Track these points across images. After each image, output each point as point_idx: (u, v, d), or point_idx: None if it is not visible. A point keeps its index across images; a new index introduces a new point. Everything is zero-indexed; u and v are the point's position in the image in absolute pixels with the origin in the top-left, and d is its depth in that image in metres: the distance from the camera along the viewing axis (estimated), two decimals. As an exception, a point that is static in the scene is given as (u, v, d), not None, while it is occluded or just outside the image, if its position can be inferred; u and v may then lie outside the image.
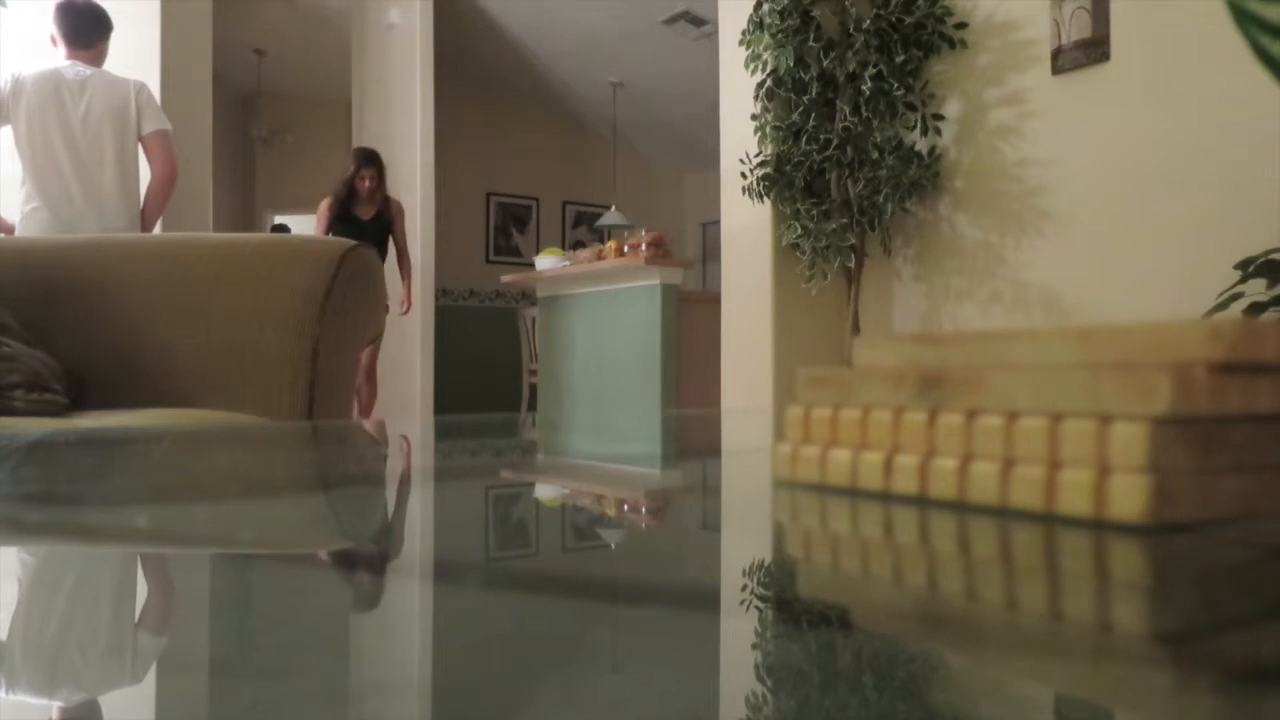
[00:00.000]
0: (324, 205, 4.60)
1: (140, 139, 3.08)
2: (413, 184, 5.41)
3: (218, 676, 0.20)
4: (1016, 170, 3.23)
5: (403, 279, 4.81)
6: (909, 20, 3.30)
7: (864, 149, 3.36)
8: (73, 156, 3.00)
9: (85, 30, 3.12)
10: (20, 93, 3.01)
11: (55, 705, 0.18)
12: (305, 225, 7.38)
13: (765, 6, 3.48)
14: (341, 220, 4.58)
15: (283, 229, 6.72)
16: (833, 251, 3.38)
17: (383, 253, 4.55)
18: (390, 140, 5.57)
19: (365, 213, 4.64)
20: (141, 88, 3.09)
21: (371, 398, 4.62)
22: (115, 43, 4.20)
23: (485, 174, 8.02)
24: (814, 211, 3.41)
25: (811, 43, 3.37)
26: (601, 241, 6.62)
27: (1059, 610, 0.25)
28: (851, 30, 3.35)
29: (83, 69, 3.06)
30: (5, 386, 1.34)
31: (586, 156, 8.58)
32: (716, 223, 3.67)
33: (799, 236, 3.43)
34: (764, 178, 3.51)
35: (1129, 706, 0.18)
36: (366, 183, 4.61)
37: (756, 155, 3.56)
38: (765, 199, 3.56)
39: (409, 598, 0.28)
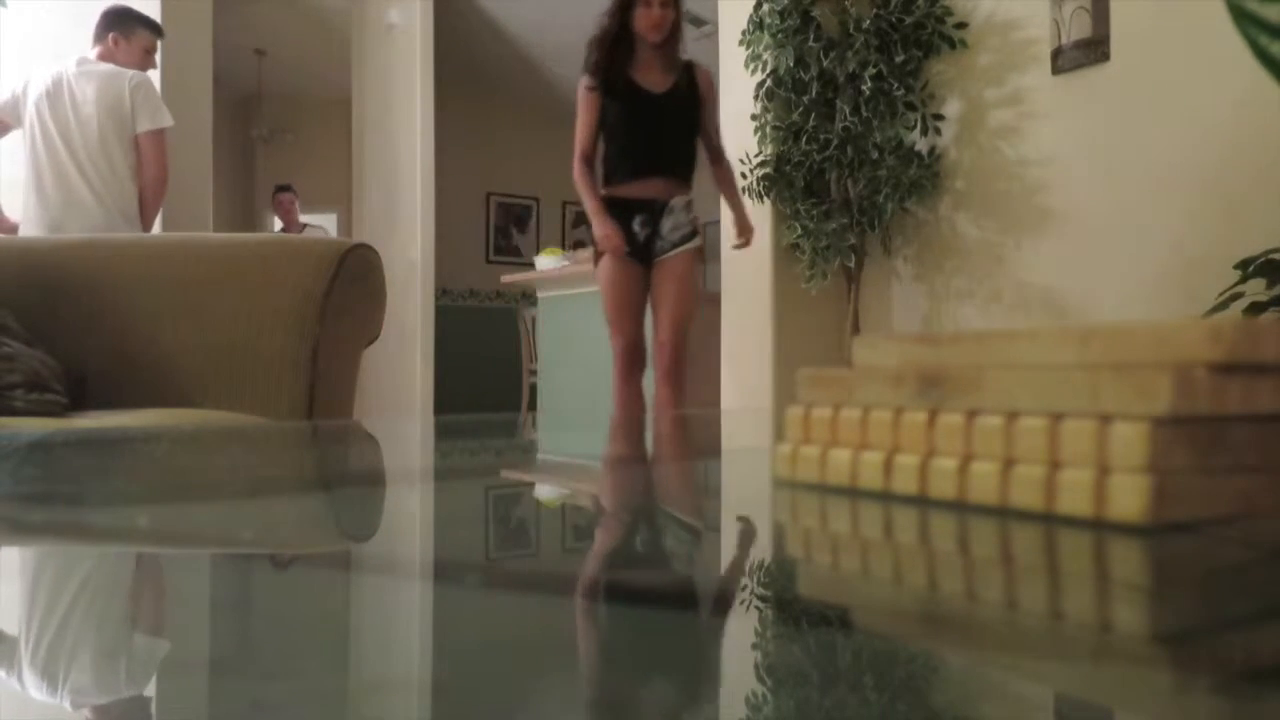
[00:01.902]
0: (584, 86, 2.84)
1: (135, 137, 3.04)
2: (413, 184, 5.41)
3: (217, 676, 0.20)
4: (1016, 170, 3.23)
5: (727, 196, 3.12)
6: (909, 20, 3.29)
7: (864, 149, 3.36)
8: (69, 152, 2.98)
9: (99, 26, 3.14)
10: (28, 90, 3.03)
11: (56, 706, 0.18)
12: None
13: (765, 6, 3.47)
14: (613, 95, 2.77)
15: (286, 189, 6.65)
16: (833, 251, 3.37)
17: (690, 149, 2.92)
18: (390, 140, 5.57)
19: (656, 80, 2.79)
20: (139, 83, 3.04)
21: (675, 394, 3.06)
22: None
23: (485, 174, 8.02)
24: (814, 211, 3.41)
25: (811, 43, 3.37)
26: (601, 241, 6.61)
27: (1059, 610, 0.25)
28: (851, 30, 3.35)
29: (90, 64, 3.05)
30: (5, 386, 1.34)
31: (587, 156, 8.57)
32: (716, 223, 3.67)
33: (799, 236, 3.43)
34: (764, 178, 3.51)
35: (1129, 706, 0.18)
36: (655, 10, 2.73)
37: (756, 155, 3.56)
38: (765, 199, 3.56)
39: (409, 598, 0.28)
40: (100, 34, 3.13)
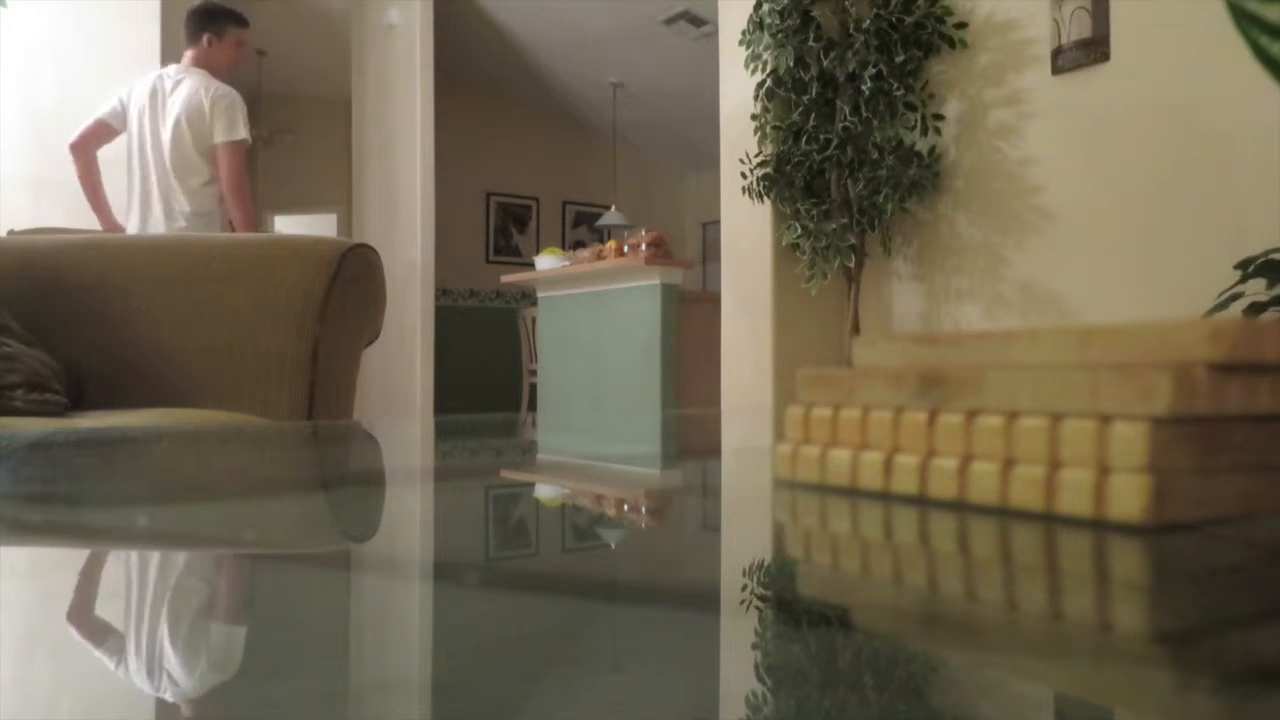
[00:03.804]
0: None
1: (212, 148, 3.13)
2: (413, 184, 5.41)
3: (218, 676, 0.20)
4: (1016, 170, 3.23)
5: None
6: (909, 20, 3.29)
7: (864, 149, 3.36)
8: (161, 161, 3.11)
9: (188, 29, 3.24)
10: (131, 99, 3.16)
11: (55, 705, 0.18)
12: (306, 225, 7.38)
13: (765, 6, 3.47)
14: None
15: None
16: (833, 251, 3.37)
17: None
18: (390, 140, 5.56)
19: None
20: (219, 95, 3.11)
21: None
22: (115, 42, 4.21)
23: (485, 174, 8.02)
24: (814, 211, 3.41)
25: (811, 43, 3.37)
26: (601, 241, 6.62)
27: (1059, 610, 0.25)
28: (851, 30, 3.35)
29: (179, 71, 3.16)
30: (5, 386, 1.34)
31: (586, 156, 8.58)
32: (716, 223, 3.67)
33: (799, 236, 3.43)
34: (764, 178, 3.51)
35: (1129, 706, 0.18)
36: None
37: (756, 155, 3.56)
38: (765, 199, 3.56)
39: (409, 598, 0.28)
40: (193, 35, 3.21)
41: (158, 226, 3.11)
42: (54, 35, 4.20)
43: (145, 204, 3.14)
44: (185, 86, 3.13)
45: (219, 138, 3.10)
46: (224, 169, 3.11)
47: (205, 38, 3.21)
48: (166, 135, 3.11)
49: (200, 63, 3.19)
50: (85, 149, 3.19)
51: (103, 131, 3.22)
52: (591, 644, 0.22)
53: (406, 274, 5.28)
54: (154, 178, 3.13)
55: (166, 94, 3.13)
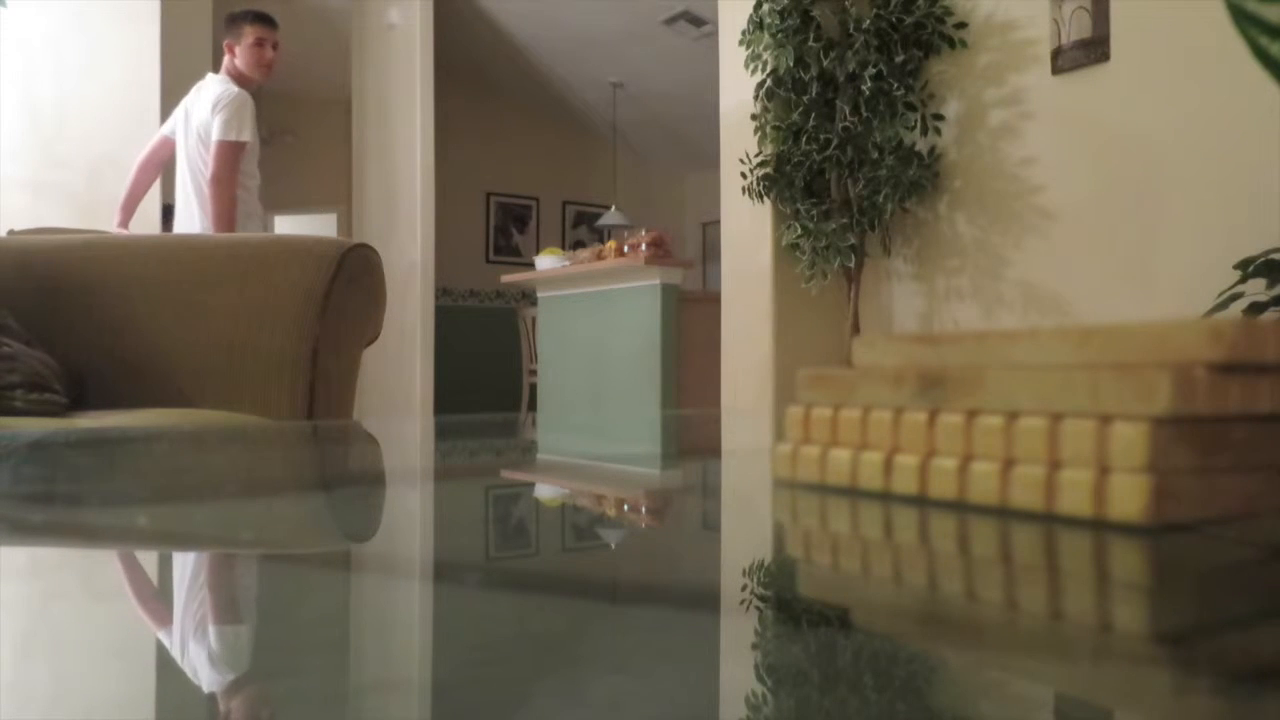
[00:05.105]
0: None
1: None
2: (413, 184, 5.41)
3: (218, 676, 0.20)
4: (1016, 170, 3.23)
5: None
6: (909, 20, 3.29)
7: (864, 149, 3.36)
8: (189, 164, 3.24)
9: None
10: (178, 112, 3.31)
11: (54, 705, 0.18)
12: (306, 225, 7.38)
13: (765, 6, 3.47)
14: None
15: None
16: (833, 251, 3.37)
17: None
18: (390, 140, 5.56)
19: None
20: (220, 96, 3.17)
21: None
22: (115, 42, 4.22)
23: (485, 174, 8.02)
24: (814, 211, 3.41)
25: (811, 43, 3.37)
26: (601, 241, 6.62)
27: (1059, 610, 0.25)
28: (851, 30, 3.35)
29: (208, 80, 3.27)
30: (5, 386, 1.34)
31: (586, 156, 8.58)
32: (716, 223, 3.67)
33: (799, 236, 3.43)
34: (764, 178, 3.51)
35: (1129, 706, 0.18)
36: None
37: (756, 155, 3.56)
38: (765, 199, 3.56)
39: (409, 598, 0.28)
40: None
41: (195, 228, 3.21)
42: (54, 35, 4.20)
43: (187, 208, 3.26)
44: (205, 94, 3.22)
45: (214, 137, 3.15)
46: (211, 165, 3.16)
47: (226, 43, 3.30)
48: (191, 143, 3.22)
49: (227, 68, 3.26)
50: (148, 166, 3.35)
51: (166, 145, 3.34)
52: (592, 644, 0.22)
53: (406, 274, 5.28)
54: (190, 184, 3.24)
55: (192, 103, 3.25)
